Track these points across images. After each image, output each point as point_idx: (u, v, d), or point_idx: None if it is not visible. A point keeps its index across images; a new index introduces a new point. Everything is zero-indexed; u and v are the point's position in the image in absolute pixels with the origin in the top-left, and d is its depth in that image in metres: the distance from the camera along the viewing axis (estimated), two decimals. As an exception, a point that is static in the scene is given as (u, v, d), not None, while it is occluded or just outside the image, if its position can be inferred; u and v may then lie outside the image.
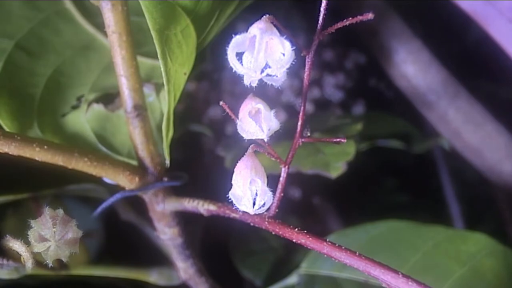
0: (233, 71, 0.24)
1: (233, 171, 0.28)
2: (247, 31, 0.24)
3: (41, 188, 0.43)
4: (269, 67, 0.24)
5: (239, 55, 0.24)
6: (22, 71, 0.40)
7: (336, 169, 0.46)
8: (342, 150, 0.47)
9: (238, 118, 0.26)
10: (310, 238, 0.28)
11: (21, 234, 0.31)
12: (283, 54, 0.24)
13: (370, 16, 0.21)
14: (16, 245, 0.31)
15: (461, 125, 0.59)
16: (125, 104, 0.36)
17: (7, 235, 0.31)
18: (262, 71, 0.24)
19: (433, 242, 0.43)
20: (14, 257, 0.35)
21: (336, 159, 0.47)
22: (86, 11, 0.44)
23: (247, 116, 0.26)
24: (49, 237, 0.30)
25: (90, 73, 0.42)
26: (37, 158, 0.32)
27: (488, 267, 0.41)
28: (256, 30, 0.23)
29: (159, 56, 0.33)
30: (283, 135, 0.27)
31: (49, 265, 0.31)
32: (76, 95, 0.42)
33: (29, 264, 0.31)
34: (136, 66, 0.35)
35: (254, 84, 0.25)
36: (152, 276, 0.46)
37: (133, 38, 0.34)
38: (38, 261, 0.31)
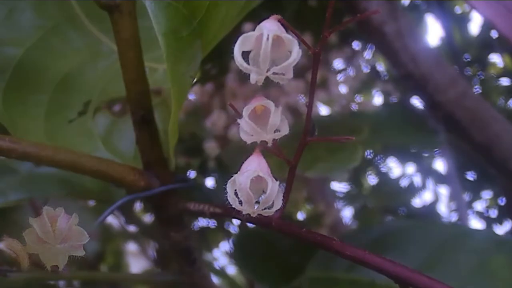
0: (239, 70, 0.24)
1: (236, 172, 0.26)
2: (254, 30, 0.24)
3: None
4: (276, 65, 0.24)
5: (246, 54, 0.24)
6: (30, 78, 0.40)
7: (341, 174, 0.46)
8: (348, 156, 0.47)
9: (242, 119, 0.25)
10: (319, 238, 0.27)
11: (19, 234, 0.28)
12: (290, 52, 0.23)
13: (377, 12, 0.21)
14: (12, 243, 0.29)
15: (469, 124, 0.60)
16: (132, 108, 0.36)
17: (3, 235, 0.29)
18: (268, 70, 0.24)
19: (440, 239, 0.43)
20: (14, 262, 0.33)
21: (342, 165, 0.47)
22: (95, 17, 0.44)
23: (251, 117, 0.25)
24: (49, 239, 0.27)
25: (98, 79, 0.43)
26: (43, 164, 0.32)
27: (498, 263, 0.41)
28: (263, 28, 0.23)
29: (165, 59, 0.33)
30: (287, 137, 0.27)
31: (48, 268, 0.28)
32: (83, 101, 0.42)
33: (24, 263, 0.29)
34: (144, 71, 0.35)
35: (260, 83, 0.25)
36: (157, 280, 0.46)
37: (140, 43, 0.35)
38: (36, 262, 0.29)
